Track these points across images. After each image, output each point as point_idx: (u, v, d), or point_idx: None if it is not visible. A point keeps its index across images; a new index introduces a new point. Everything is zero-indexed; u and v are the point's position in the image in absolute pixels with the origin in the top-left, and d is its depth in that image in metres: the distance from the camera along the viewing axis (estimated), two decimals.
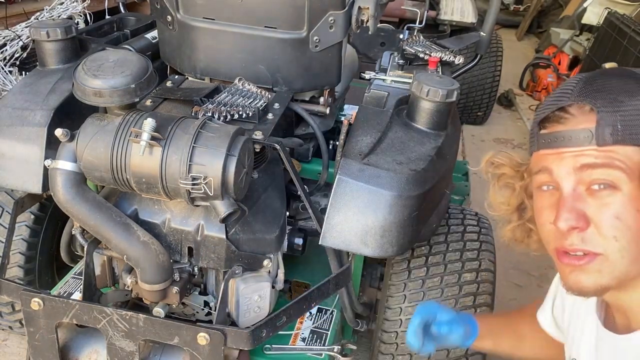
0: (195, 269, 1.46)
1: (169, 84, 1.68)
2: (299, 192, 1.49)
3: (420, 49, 2.03)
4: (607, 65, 1.08)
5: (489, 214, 1.19)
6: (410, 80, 1.79)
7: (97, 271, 1.52)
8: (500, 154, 1.12)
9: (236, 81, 1.60)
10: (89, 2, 3.43)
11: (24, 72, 2.94)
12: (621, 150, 0.83)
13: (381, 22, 3.24)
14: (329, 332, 1.71)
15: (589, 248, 0.86)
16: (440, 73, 1.89)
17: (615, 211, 0.84)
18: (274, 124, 1.50)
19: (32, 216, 1.85)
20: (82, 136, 1.25)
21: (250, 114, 1.49)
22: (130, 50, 1.85)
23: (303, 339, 1.68)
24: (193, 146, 1.20)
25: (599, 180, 0.85)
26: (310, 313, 1.77)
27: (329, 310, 1.79)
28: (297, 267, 1.96)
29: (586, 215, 0.86)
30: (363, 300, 1.91)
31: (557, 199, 0.89)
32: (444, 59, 1.96)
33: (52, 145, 1.47)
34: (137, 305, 1.56)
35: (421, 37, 2.22)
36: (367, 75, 1.90)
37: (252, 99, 1.56)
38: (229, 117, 1.45)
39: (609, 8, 4.56)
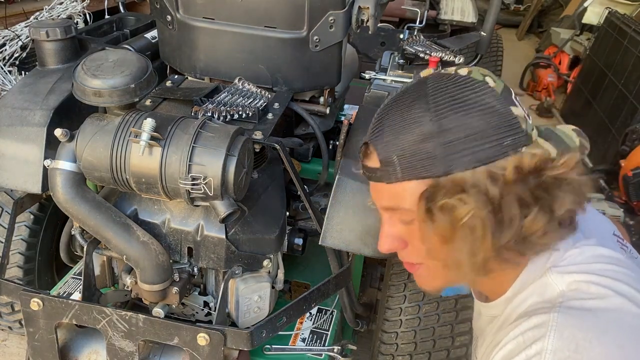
0: (195, 269, 1.46)
1: (168, 83, 1.68)
2: (299, 192, 1.49)
3: (421, 49, 2.03)
4: (423, 73, 1.04)
5: None
6: (410, 80, 1.79)
7: (97, 271, 1.52)
8: None
9: (236, 81, 1.60)
10: (88, 1, 3.43)
11: (23, 72, 2.94)
12: (407, 186, 0.88)
13: (381, 21, 3.24)
14: (329, 333, 1.71)
15: (411, 261, 1.00)
16: None
17: (419, 238, 0.93)
18: (273, 124, 1.50)
19: (32, 216, 1.85)
20: (82, 136, 1.24)
21: (250, 114, 1.48)
22: (129, 50, 1.85)
23: (303, 339, 1.68)
24: (193, 146, 1.20)
25: (397, 218, 0.95)
26: (310, 313, 1.77)
27: (329, 310, 1.79)
28: (297, 267, 1.96)
29: (402, 238, 0.97)
30: (363, 300, 1.91)
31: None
32: (444, 59, 1.96)
33: (51, 145, 1.47)
34: (136, 305, 1.56)
35: (421, 37, 2.21)
36: (367, 75, 1.90)
37: (252, 99, 1.55)
38: (228, 117, 1.45)
39: (610, 8, 4.55)
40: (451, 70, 0.91)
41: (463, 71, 0.89)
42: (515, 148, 0.83)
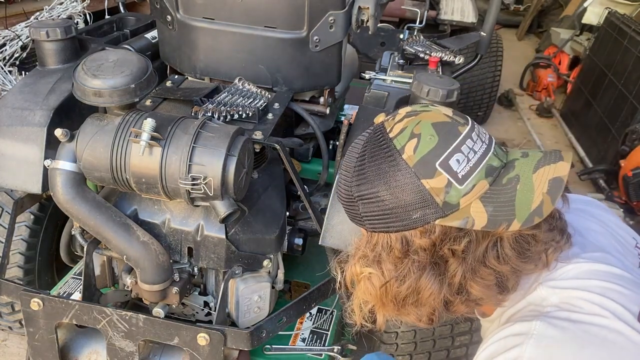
0: (195, 269, 1.46)
1: (168, 84, 1.68)
2: (299, 192, 1.49)
3: (421, 49, 2.03)
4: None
5: None
6: (410, 80, 1.79)
7: (97, 271, 1.52)
8: None
9: (236, 81, 1.60)
10: (88, 2, 3.43)
11: (23, 72, 2.94)
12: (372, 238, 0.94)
13: (381, 22, 3.24)
14: (329, 333, 1.71)
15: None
16: (440, 73, 1.89)
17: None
18: (274, 124, 1.50)
19: (32, 216, 1.84)
20: (82, 136, 1.24)
21: (250, 114, 1.48)
22: (130, 50, 1.85)
23: (303, 339, 1.68)
24: (193, 146, 1.20)
25: None
26: (310, 313, 1.77)
27: (329, 310, 1.79)
28: (297, 267, 1.96)
29: None
30: None
31: None
32: (444, 59, 1.96)
33: (51, 145, 1.47)
34: (136, 305, 1.56)
35: (421, 37, 2.22)
36: (367, 75, 1.90)
37: (252, 99, 1.55)
38: (228, 117, 1.45)
39: (610, 8, 4.55)
40: (391, 123, 0.91)
41: (397, 128, 0.88)
42: (425, 222, 0.85)
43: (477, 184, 0.83)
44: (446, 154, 0.83)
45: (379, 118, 0.95)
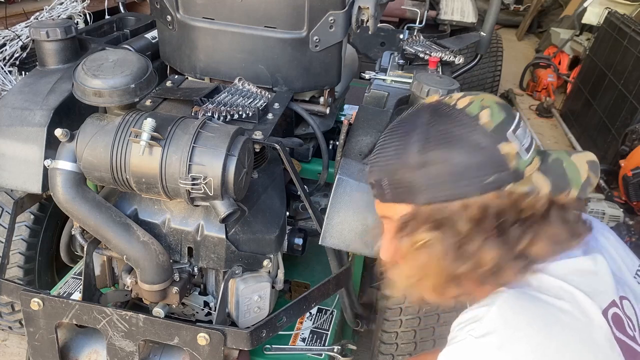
0: (195, 269, 1.46)
1: (168, 84, 1.68)
2: (299, 192, 1.49)
3: (420, 49, 2.03)
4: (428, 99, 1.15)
5: None
6: (410, 80, 1.79)
7: (97, 271, 1.52)
8: None
9: (236, 81, 1.60)
10: (88, 2, 3.43)
11: (23, 72, 2.94)
12: (395, 206, 0.94)
13: (381, 22, 3.24)
14: (329, 332, 1.71)
15: (395, 277, 0.99)
16: (440, 73, 1.89)
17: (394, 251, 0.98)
18: (274, 124, 1.50)
19: (32, 216, 1.85)
20: (82, 136, 1.24)
21: (250, 114, 1.49)
22: (130, 50, 1.85)
23: (303, 339, 1.68)
24: (193, 146, 1.20)
25: (385, 227, 1.00)
26: (310, 313, 1.77)
27: (329, 310, 1.79)
28: (297, 267, 1.96)
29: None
30: (363, 300, 1.91)
31: None
32: (444, 59, 1.96)
33: (51, 145, 1.47)
34: (136, 305, 1.56)
35: (421, 37, 2.21)
36: (367, 75, 1.90)
37: (252, 99, 1.55)
38: (228, 117, 1.45)
39: (609, 8, 4.55)
40: (453, 99, 0.93)
41: (462, 102, 0.90)
42: (499, 186, 0.86)
43: (535, 159, 0.89)
44: (514, 125, 0.88)
45: (431, 99, 0.99)
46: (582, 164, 0.91)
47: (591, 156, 0.92)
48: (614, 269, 0.94)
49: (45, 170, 1.33)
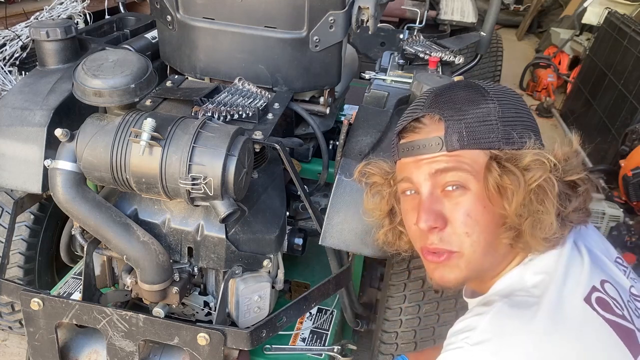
0: (195, 269, 1.46)
1: (168, 84, 1.68)
2: (299, 192, 1.49)
3: (420, 49, 2.03)
4: (456, 78, 1.24)
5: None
6: (410, 80, 1.80)
7: (97, 271, 1.52)
8: (370, 164, 1.21)
9: (236, 81, 1.60)
10: (88, 2, 3.43)
11: (23, 72, 2.94)
12: (468, 154, 0.94)
13: (381, 22, 3.24)
14: (329, 332, 1.71)
15: (446, 247, 0.96)
16: (440, 73, 1.89)
17: (465, 209, 0.94)
18: (274, 124, 1.50)
19: (32, 216, 1.85)
20: (82, 136, 1.24)
21: (250, 114, 1.49)
22: (130, 50, 1.85)
23: (303, 339, 1.68)
24: (193, 146, 1.20)
25: (451, 182, 0.95)
26: (310, 313, 1.77)
27: (329, 310, 1.79)
28: (297, 267, 1.96)
29: (444, 215, 0.96)
30: (363, 300, 1.91)
31: (418, 202, 0.99)
32: (444, 59, 1.96)
33: (51, 145, 1.47)
34: (136, 305, 1.56)
35: (421, 37, 2.21)
36: (367, 75, 1.90)
37: (252, 99, 1.55)
38: (228, 117, 1.45)
39: (609, 8, 4.55)
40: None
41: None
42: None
43: None
44: None
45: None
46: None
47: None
48: (592, 256, 0.97)
49: (45, 170, 1.33)
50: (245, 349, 1.36)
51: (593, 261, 0.95)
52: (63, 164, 1.25)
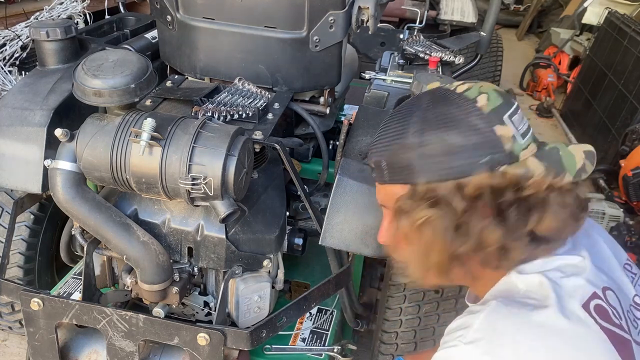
0: (195, 269, 1.46)
1: (168, 84, 1.68)
2: (299, 192, 1.49)
3: (421, 49, 2.03)
4: (429, 86, 1.16)
5: None
6: (410, 80, 1.80)
7: (97, 271, 1.52)
8: None
9: (236, 81, 1.60)
10: (88, 2, 3.43)
11: (23, 72, 2.94)
12: (392, 188, 0.98)
13: (381, 22, 3.24)
14: (329, 332, 1.71)
15: (400, 259, 1.03)
16: (440, 73, 1.89)
17: (394, 245, 1.03)
18: (274, 124, 1.50)
19: (32, 216, 1.85)
20: (82, 136, 1.24)
21: (250, 114, 1.49)
22: (130, 50, 1.85)
23: (303, 339, 1.68)
24: (193, 146, 1.20)
25: (384, 212, 1.04)
26: (310, 313, 1.77)
27: (329, 310, 1.79)
28: (297, 267, 1.96)
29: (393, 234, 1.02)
30: (363, 300, 1.91)
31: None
32: (444, 59, 1.96)
33: (51, 145, 1.47)
34: (136, 305, 1.56)
35: (421, 37, 2.21)
36: (367, 75, 1.90)
37: (252, 99, 1.55)
38: (228, 117, 1.45)
39: (610, 8, 4.55)
40: (453, 85, 0.97)
41: (461, 88, 0.94)
42: (493, 166, 0.88)
43: (530, 145, 0.91)
44: (510, 111, 0.91)
45: (434, 84, 1.03)
46: (579, 152, 0.93)
47: (588, 147, 0.94)
48: (598, 262, 0.96)
49: (45, 170, 1.33)
50: (245, 349, 1.36)
51: (597, 266, 0.94)
52: (63, 164, 1.25)
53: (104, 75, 1.23)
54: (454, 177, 0.89)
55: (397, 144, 0.94)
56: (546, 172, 0.89)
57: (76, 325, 1.45)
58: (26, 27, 3.09)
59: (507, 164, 0.89)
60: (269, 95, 1.60)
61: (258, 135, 1.39)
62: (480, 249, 0.89)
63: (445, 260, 0.92)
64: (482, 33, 2.22)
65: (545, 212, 0.87)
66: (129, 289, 1.45)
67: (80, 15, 3.38)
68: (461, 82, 0.98)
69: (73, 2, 3.38)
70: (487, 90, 0.92)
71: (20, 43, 3.02)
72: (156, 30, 1.97)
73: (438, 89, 0.98)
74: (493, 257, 0.90)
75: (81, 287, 1.47)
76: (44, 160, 1.35)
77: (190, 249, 1.41)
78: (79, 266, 1.88)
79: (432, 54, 1.96)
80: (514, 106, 0.92)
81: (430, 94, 0.97)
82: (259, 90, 1.60)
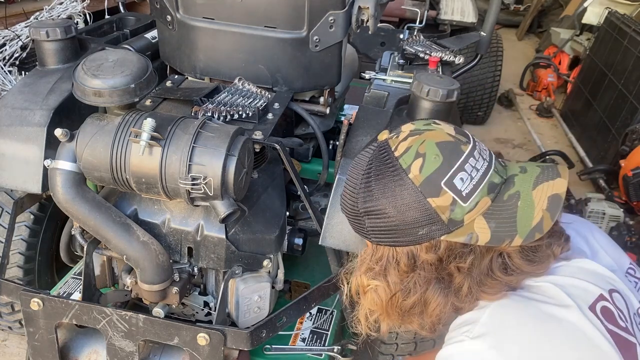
0: (195, 269, 1.46)
1: (168, 83, 1.68)
2: (299, 192, 1.49)
3: (421, 49, 2.02)
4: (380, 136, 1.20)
5: None
6: (410, 80, 1.79)
7: (97, 271, 1.52)
8: None
9: (236, 81, 1.60)
10: (88, 1, 3.43)
11: (23, 72, 2.94)
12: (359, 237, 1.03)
13: (381, 22, 3.24)
14: (329, 332, 1.71)
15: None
16: (440, 73, 1.89)
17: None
18: (274, 124, 1.50)
19: (32, 216, 1.84)
20: (82, 136, 1.24)
21: (250, 114, 1.48)
22: (129, 50, 1.85)
23: (303, 339, 1.68)
24: (193, 146, 1.20)
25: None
26: (310, 313, 1.77)
27: (329, 310, 1.79)
28: (297, 267, 1.96)
29: None
30: None
31: None
32: (444, 59, 1.96)
33: (51, 145, 1.47)
34: (136, 305, 1.56)
35: (421, 37, 2.21)
36: (367, 75, 1.90)
37: (252, 99, 1.55)
38: (228, 117, 1.45)
39: (610, 8, 4.54)
40: (397, 140, 0.94)
41: (402, 147, 0.92)
42: (431, 237, 0.90)
43: (480, 201, 0.88)
44: (450, 173, 0.87)
45: (383, 135, 0.99)
46: (542, 201, 0.87)
47: (559, 187, 0.88)
48: (602, 266, 0.96)
49: (45, 170, 1.33)
50: (245, 349, 1.36)
51: (602, 270, 0.95)
52: (63, 164, 1.25)
53: (104, 75, 1.23)
54: (400, 245, 0.93)
55: (352, 207, 0.98)
56: (492, 238, 0.87)
57: (76, 325, 1.45)
58: (26, 27, 3.09)
59: (447, 233, 0.89)
60: (269, 95, 1.60)
61: (258, 135, 1.39)
62: (425, 315, 0.96)
63: (397, 318, 0.98)
64: (482, 33, 2.21)
65: (481, 282, 0.90)
66: (129, 289, 1.45)
67: (80, 15, 3.38)
68: (407, 133, 0.94)
69: (73, 2, 3.38)
70: (425, 150, 0.89)
71: (20, 43, 3.02)
72: (156, 30, 1.97)
73: (381, 148, 0.95)
74: (438, 320, 0.96)
75: (81, 287, 1.47)
76: (44, 160, 1.35)
77: (190, 249, 1.41)
78: (79, 266, 1.88)
79: (432, 54, 1.96)
80: (460, 160, 0.87)
81: (374, 155, 0.96)
82: (259, 90, 1.60)
